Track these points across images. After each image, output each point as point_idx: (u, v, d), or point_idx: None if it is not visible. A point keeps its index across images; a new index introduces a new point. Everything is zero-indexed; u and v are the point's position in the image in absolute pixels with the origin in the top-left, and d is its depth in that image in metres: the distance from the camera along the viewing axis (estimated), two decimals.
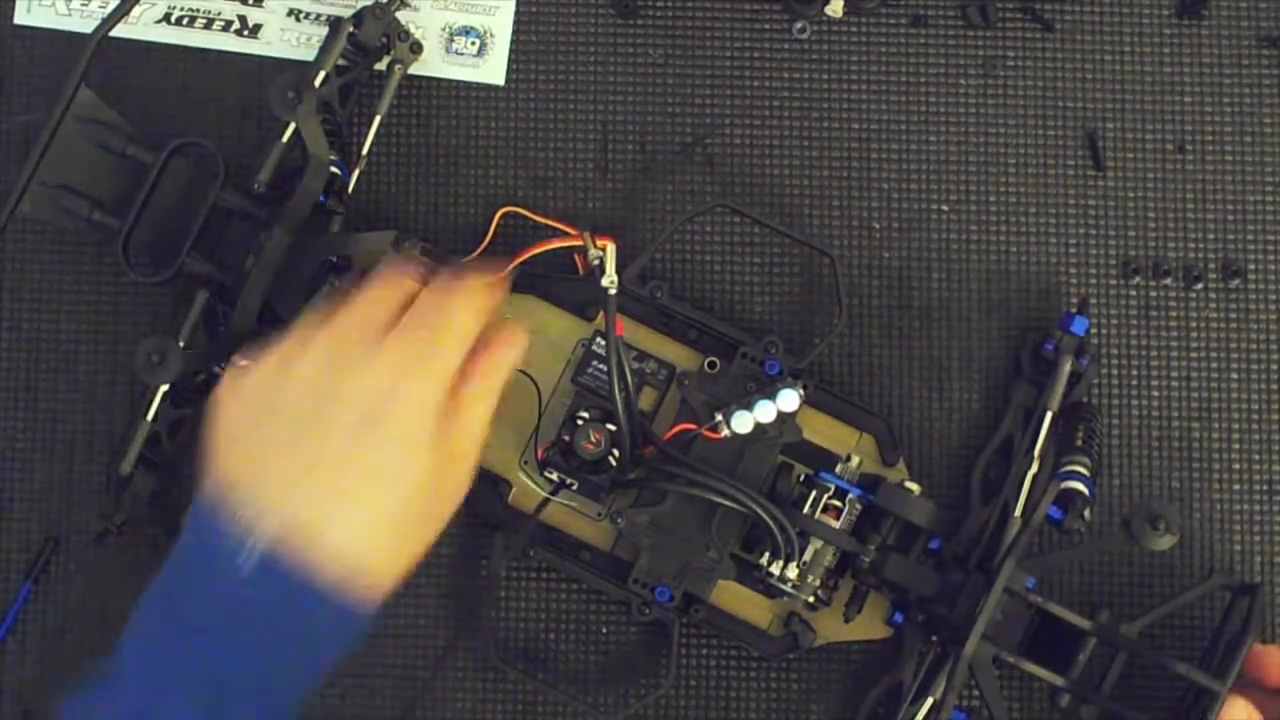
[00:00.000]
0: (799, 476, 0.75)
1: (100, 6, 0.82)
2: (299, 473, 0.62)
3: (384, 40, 0.79)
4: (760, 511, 0.72)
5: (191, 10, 0.82)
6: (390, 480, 0.63)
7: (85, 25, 0.82)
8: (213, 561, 0.61)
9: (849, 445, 0.77)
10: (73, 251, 0.81)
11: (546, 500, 0.76)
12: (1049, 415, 0.75)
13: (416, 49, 0.79)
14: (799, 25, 0.82)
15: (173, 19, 0.82)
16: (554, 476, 0.75)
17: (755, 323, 0.80)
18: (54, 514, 0.80)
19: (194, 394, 0.77)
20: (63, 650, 0.79)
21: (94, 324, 0.81)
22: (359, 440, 0.63)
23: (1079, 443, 0.75)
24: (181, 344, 0.73)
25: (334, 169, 0.76)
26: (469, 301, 0.66)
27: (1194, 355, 0.80)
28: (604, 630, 0.79)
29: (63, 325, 0.81)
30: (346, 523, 0.62)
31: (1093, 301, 0.80)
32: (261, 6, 0.82)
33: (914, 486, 0.74)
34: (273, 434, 0.64)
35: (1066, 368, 0.75)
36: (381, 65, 0.80)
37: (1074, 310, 0.77)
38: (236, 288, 0.74)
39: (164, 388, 0.74)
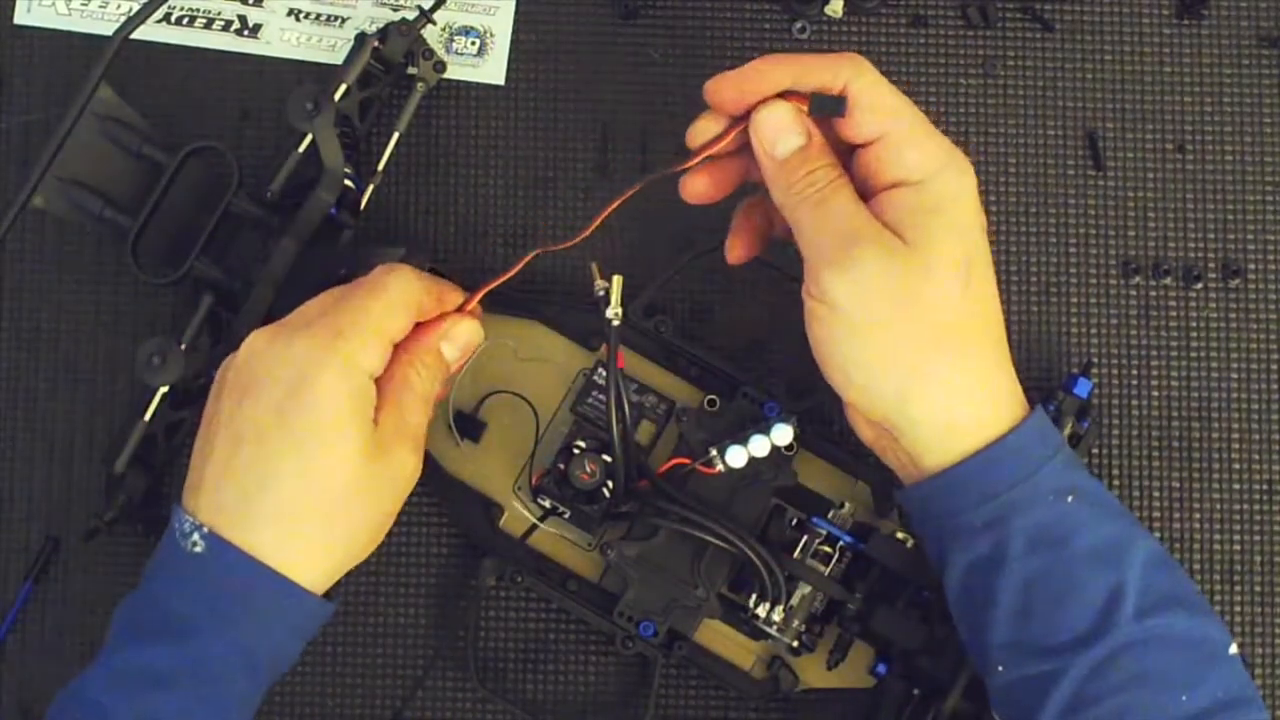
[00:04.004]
0: (791, 520, 0.74)
1: (100, 6, 0.82)
2: (226, 460, 0.65)
3: (408, 57, 0.79)
4: (750, 552, 0.71)
5: (191, 10, 0.82)
6: (302, 471, 0.65)
7: (85, 25, 0.82)
8: (173, 543, 0.66)
9: (844, 492, 0.76)
10: (73, 251, 0.81)
11: (535, 526, 0.76)
12: None
13: (440, 68, 0.80)
14: (799, 25, 0.82)
15: (173, 19, 0.82)
16: (546, 504, 0.75)
17: (759, 364, 0.79)
18: (54, 514, 0.80)
19: (193, 398, 0.77)
20: (63, 650, 0.79)
21: (94, 324, 0.81)
22: (274, 428, 0.65)
23: None
24: (183, 347, 0.73)
25: (348, 182, 0.76)
26: (381, 296, 0.67)
27: (1194, 355, 0.80)
28: (587, 661, 0.79)
29: (63, 325, 0.81)
30: (264, 510, 0.65)
31: (1092, 301, 0.80)
32: (261, 6, 0.82)
33: (906, 537, 0.73)
34: (215, 421, 0.67)
35: (1066, 430, 0.74)
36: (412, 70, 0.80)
37: (1077, 372, 0.77)
38: (242, 294, 0.75)
39: (163, 389, 0.74)
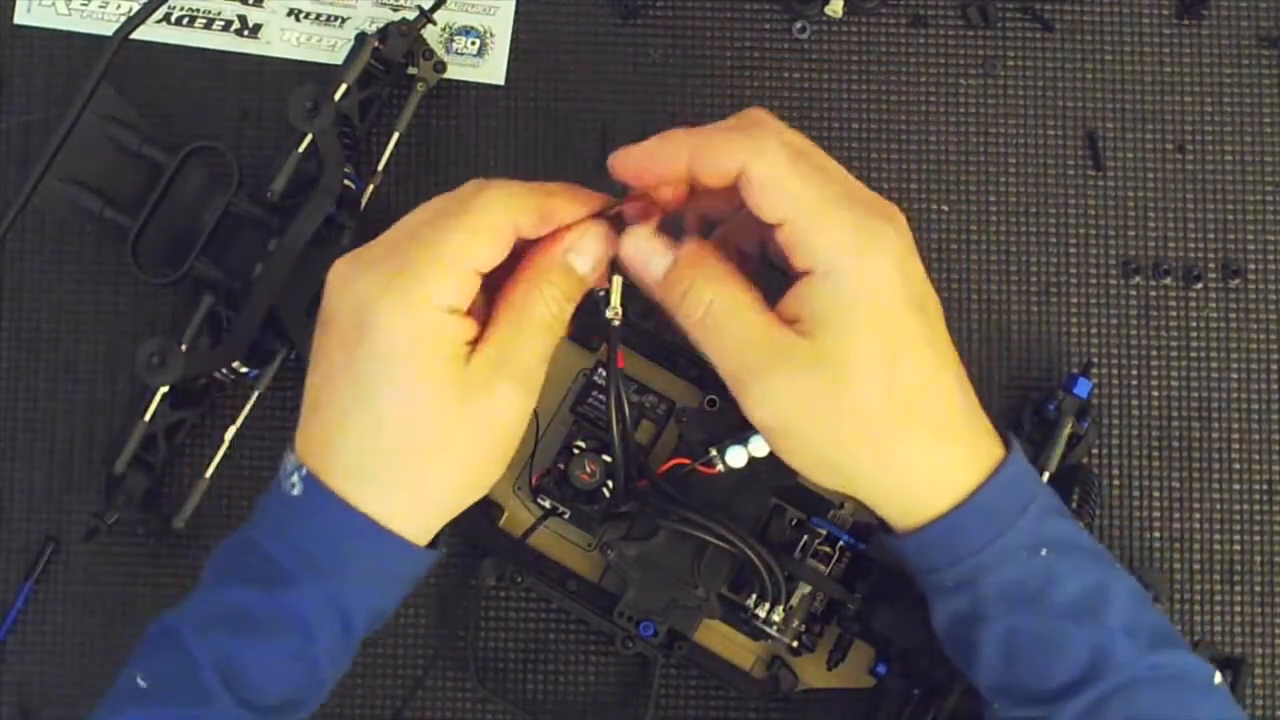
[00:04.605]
0: (791, 520, 0.74)
1: (100, 6, 0.82)
2: (313, 400, 0.62)
3: (408, 57, 0.79)
4: (750, 552, 0.71)
5: (191, 10, 0.82)
6: (375, 418, 0.60)
7: (85, 25, 0.82)
8: (277, 482, 0.63)
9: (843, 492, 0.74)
10: (73, 251, 0.81)
11: (535, 525, 0.76)
12: (1045, 476, 0.74)
13: (440, 68, 0.80)
14: (799, 25, 0.82)
15: (173, 19, 0.82)
16: (546, 504, 0.75)
17: None
18: (54, 514, 0.80)
19: (193, 398, 0.77)
20: (63, 650, 0.79)
21: (94, 324, 0.81)
22: (342, 374, 0.61)
23: (1073, 505, 0.74)
24: (183, 347, 0.73)
25: (348, 182, 0.76)
26: (462, 222, 0.61)
27: (1194, 355, 0.80)
28: (587, 661, 0.79)
29: (63, 325, 0.81)
30: (348, 456, 0.61)
31: (1092, 301, 0.80)
32: (261, 6, 0.82)
33: None
34: (312, 353, 0.63)
35: (1066, 430, 0.74)
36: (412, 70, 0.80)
37: (1077, 371, 0.78)
38: (242, 294, 0.75)
39: (163, 389, 0.74)
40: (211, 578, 0.64)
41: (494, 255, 0.61)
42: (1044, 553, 0.62)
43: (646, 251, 0.62)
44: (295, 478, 0.62)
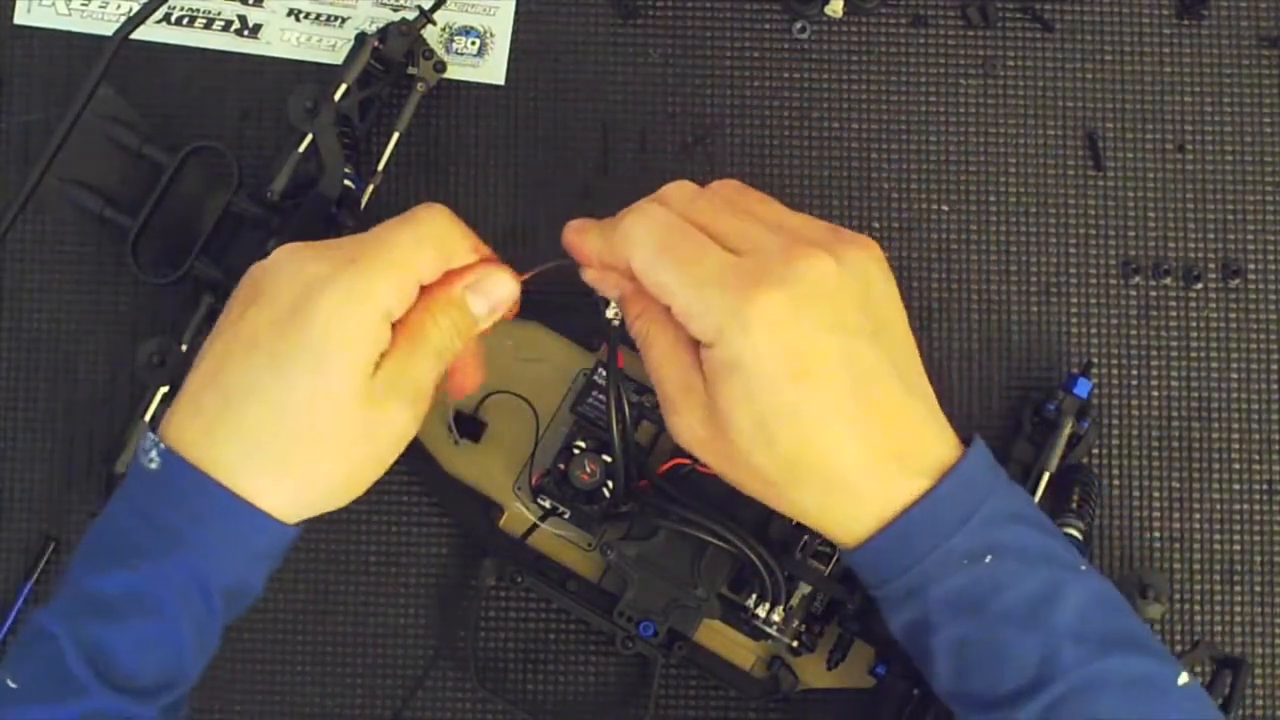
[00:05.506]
0: (791, 520, 0.74)
1: (100, 6, 0.82)
2: (212, 372, 0.63)
3: (408, 57, 0.79)
4: (750, 552, 0.72)
5: (191, 10, 0.82)
6: (285, 392, 0.61)
7: (85, 25, 0.82)
8: (135, 463, 0.63)
9: None
10: (73, 251, 0.81)
11: (535, 525, 0.76)
12: (1045, 476, 0.75)
13: (440, 68, 0.80)
14: (799, 25, 0.82)
15: (173, 19, 0.82)
16: (546, 504, 0.76)
17: None
18: (54, 514, 0.80)
19: None
20: None
21: (94, 324, 0.81)
22: (266, 344, 0.62)
23: (1073, 505, 0.74)
24: (184, 347, 0.74)
25: (348, 182, 0.76)
26: (408, 227, 0.64)
27: (1194, 355, 0.80)
28: (587, 661, 0.79)
29: (63, 325, 0.81)
30: (236, 426, 0.61)
31: (1092, 301, 0.80)
32: (261, 6, 0.82)
33: None
34: (215, 333, 0.64)
35: (1066, 430, 0.75)
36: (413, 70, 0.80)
37: (1077, 371, 0.78)
38: None
39: (163, 389, 0.74)
40: (75, 565, 0.63)
41: (434, 267, 0.64)
42: (988, 559, 0.62)
43: (596, 283, 0.67)
44: (154, 453, 0.62)
